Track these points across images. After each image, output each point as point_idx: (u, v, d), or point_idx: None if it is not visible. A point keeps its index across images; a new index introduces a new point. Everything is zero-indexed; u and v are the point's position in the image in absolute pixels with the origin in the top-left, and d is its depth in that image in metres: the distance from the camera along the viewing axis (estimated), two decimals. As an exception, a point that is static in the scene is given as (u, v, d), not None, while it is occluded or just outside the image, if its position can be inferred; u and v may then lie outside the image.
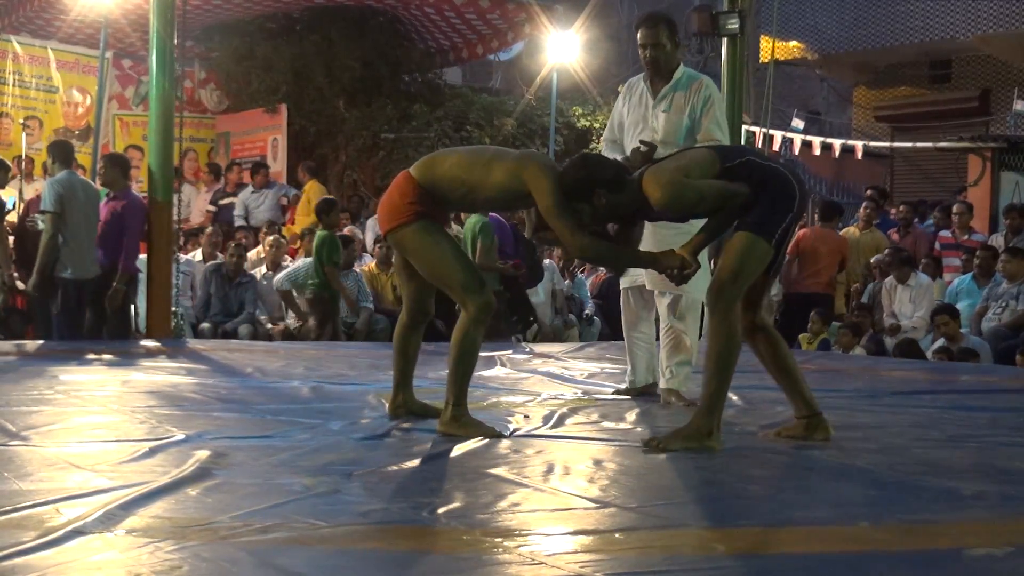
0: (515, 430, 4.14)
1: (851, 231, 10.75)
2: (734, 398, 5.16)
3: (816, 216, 10.59)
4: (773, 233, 3.81)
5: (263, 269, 9.89)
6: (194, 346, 7.50)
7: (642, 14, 5.24)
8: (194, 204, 12.40)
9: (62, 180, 7.43)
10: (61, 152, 7.72)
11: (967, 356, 7.90)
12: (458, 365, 4.03)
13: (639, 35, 4.99)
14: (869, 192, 11.91)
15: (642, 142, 4.73)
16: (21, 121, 11.25)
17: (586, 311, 10.78)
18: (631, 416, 4.65)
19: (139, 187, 10.64)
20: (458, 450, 3.67)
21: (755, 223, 3.82)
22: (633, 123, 5.05)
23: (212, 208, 12.08)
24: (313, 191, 11.75)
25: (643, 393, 5.21)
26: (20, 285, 8.55)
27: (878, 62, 17.52)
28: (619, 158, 4.73)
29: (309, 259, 9.62)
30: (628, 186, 3.86)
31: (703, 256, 4.48)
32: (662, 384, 5.09)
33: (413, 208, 3.99)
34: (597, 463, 3.62)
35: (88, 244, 7.48)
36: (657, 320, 5.25)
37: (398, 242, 4.09)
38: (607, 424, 4.42)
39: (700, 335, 4.95)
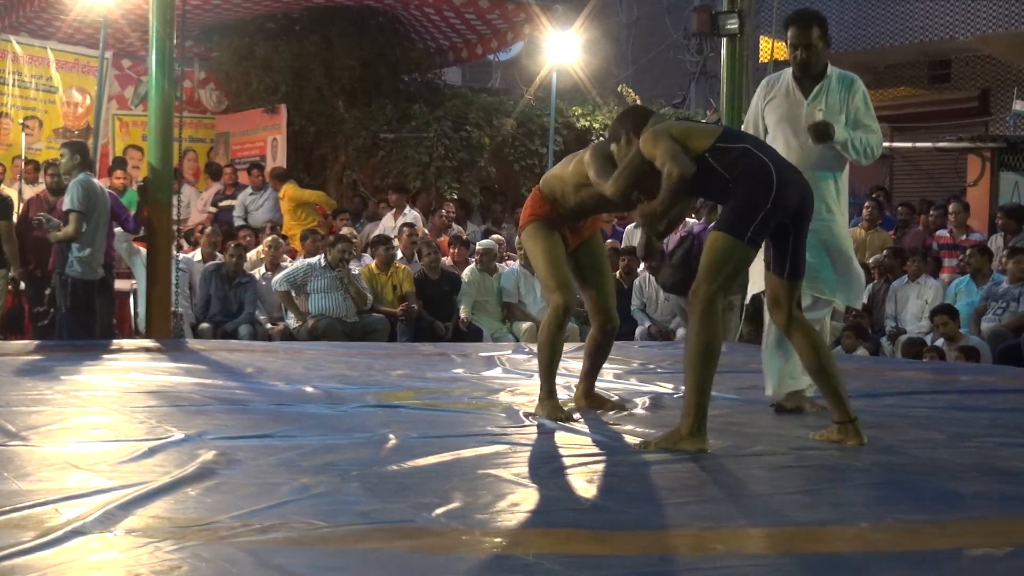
0: (577, 419, 4.43)
1: (857, 231, 10.74)
2: (735, 397, 5.17)
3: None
4: (744, 231, 3.75)
5: (262, 269, 9.90)
6: (194, 346, 7.50)
7: (794, 12, 4.84)
8: (194, 204, 12.40)
9: (84, 181, 7.51)
10: (84, 153, 7.79)
11: (969, 354, 7.90)
12: (538, 357, 4.55)
13: (790, 34, 4.70)
14: (875, 195, 11.91)
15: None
16: (21, 121, 11.24)
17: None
18: (631, 416, 4.65)
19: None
20: (458, 450, 3.67)
21: (724, 221, 3.82)
22: (782, 119, 4.81)
23: (212, 210, 12.09)
24: (289, 194, 11.62)
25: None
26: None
27: (878, 62, 17.49)
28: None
29: (308, 259, 9.64)
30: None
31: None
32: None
33: (527, 213, 4.61)
34: (597, 463, 3.62)
35: (99, 246, 7.55)
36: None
37: (523, 242, 4.75)
38: (607, 424, 4.42)
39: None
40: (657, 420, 4.49)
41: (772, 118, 4.85)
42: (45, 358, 6.40)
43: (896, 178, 16.71)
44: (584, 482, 3.29)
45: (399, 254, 10.21)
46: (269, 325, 9.43)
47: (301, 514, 2.72)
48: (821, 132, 4.58)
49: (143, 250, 8.37)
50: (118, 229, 8.15)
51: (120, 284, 8.77)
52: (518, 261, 10.07)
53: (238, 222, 11.60)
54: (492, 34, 13.75)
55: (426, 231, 11.09)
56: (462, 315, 9.64)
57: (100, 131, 11.22)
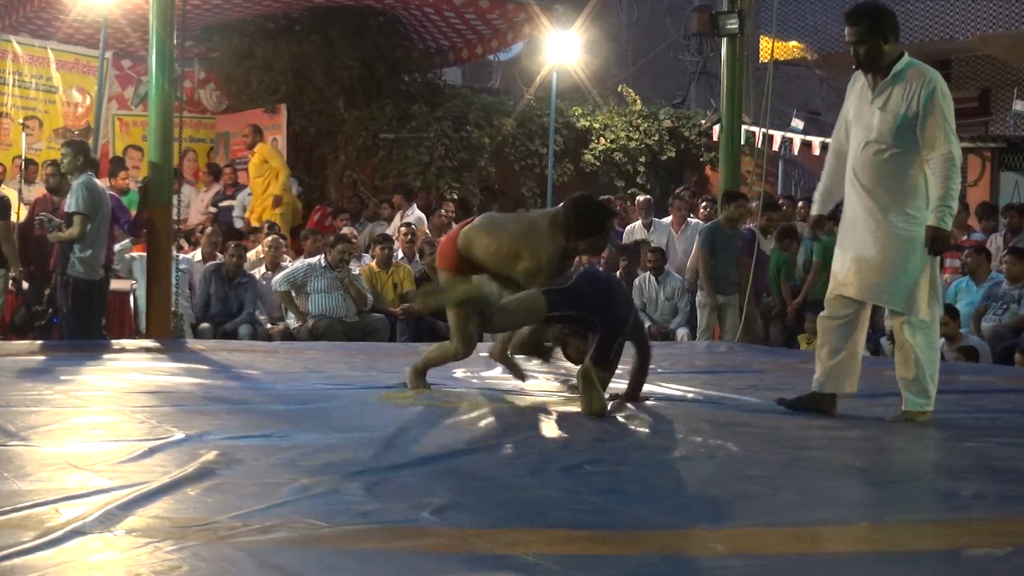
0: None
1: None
2: (735, 397, 5.17)
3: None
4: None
5: (262, 269, 9.90)
6: (194, 346, 7.50)
7: (850, 7, 4.70)
8: (194, 204, 12.41)
9: (88, 182, 7.53)
10: (86, 153, 7.80)
11: (969, 354, 7.90)
12: (429, 355, 5.34)
13: (846, 32, 4.63)
14: None
15: None
16: (21, 121, 11.24)
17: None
18: (631, 416, 4.65)
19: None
20: (458, 450, 3.67)
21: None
22: (855, 120, 4.64)
23: (213, 210, 12.10)
24: (264, 152, 11.57)
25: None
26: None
27: (878, 62, 17.50)
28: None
29: (308, 259, 9.63)
30: None
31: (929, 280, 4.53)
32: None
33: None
34: (597, 463, 3.62)
35: (101, 246, 7.57)
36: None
37: None
38: (607, 424, 4.42)
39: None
40: (657, 419, 4.49)
41: (852, 117, 4.69)
42: (45, 358, 6.41)
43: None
44: (584, 482, 3.28)
45: (399, 253, 10.21)
46: (269, 325, 9.43)
47: (301, 514, 2.72)
48: (942, 243, 4.49)
49: (139, 255, 8.39)
50: (119, 246, 8.16)
51: (120, 284, 8.77)
52: None
53: (238, 222, 11.60)
54: (492, 34, 13.75)
55: (427, 231, 11.09)
56: None
57: (100, 131, 11.23)
